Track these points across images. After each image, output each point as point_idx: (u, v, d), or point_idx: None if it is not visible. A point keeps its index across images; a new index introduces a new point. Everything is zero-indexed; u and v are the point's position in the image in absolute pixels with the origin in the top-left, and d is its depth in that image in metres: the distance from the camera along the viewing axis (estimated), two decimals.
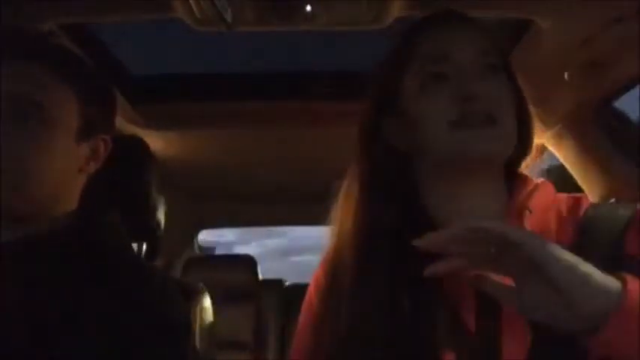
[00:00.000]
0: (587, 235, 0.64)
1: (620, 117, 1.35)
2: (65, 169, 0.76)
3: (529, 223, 0.65)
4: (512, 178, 0.72)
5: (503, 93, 0.67)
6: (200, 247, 2.88)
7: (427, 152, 0.69)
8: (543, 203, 0.68)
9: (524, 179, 0.72)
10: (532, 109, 0.73)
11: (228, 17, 0.95)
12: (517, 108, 0.69)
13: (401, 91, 0.71)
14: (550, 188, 0.71)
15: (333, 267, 0.72)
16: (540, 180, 0.72)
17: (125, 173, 0.95)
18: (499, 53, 0.70)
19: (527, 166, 0.75)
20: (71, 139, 0.76)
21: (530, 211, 0.66)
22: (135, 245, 1.01)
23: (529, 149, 0.73)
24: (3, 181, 0.70)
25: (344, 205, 0.73)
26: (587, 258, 0.53)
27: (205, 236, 2.91)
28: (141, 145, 1.01)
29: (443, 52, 0.68)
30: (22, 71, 0.73)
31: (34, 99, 0.72)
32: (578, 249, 0.58)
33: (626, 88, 1.24)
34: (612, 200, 1.27)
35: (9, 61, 0.73)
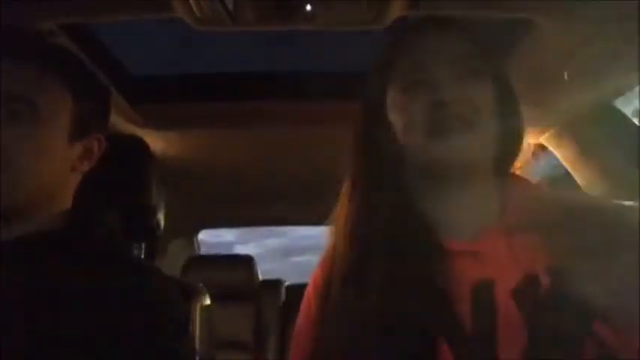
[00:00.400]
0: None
1: (620, 117, 1.35)
2: (58, 169, 0.76)
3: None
4: (505, 178, 0.72)
5: (483, 96, 0.67)
6: (200, 247, 2.88)
7: (410, 159, 0.71)
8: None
9: (518, 179, 0.72)
10: (526, 110, 0.73)
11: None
12: (504, 110, 0.69)
13: (385, 102, 0.72)
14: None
15: (331, 268, 0.72)
16: (536, 179, 0.72)
17: (125, 173, 0.95)
18: (483, 56, 0.70)
19: (521, 167, 0.75)
20: (65, 138, 0.76)
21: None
22: (134, 245, 1.01)
23: (518, 149, 0.73)
24: None
25: (342, 206, 0.74)
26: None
27: (205, 236, 2.92)
28: (141, 145, 1.01)
29: (419, 61, 0.69)
30: (18, 71, 0.73)
31: (30, 99, 0.72)
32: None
33: (626, 88, 1.25)
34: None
35: (6, 61, 0.73)
